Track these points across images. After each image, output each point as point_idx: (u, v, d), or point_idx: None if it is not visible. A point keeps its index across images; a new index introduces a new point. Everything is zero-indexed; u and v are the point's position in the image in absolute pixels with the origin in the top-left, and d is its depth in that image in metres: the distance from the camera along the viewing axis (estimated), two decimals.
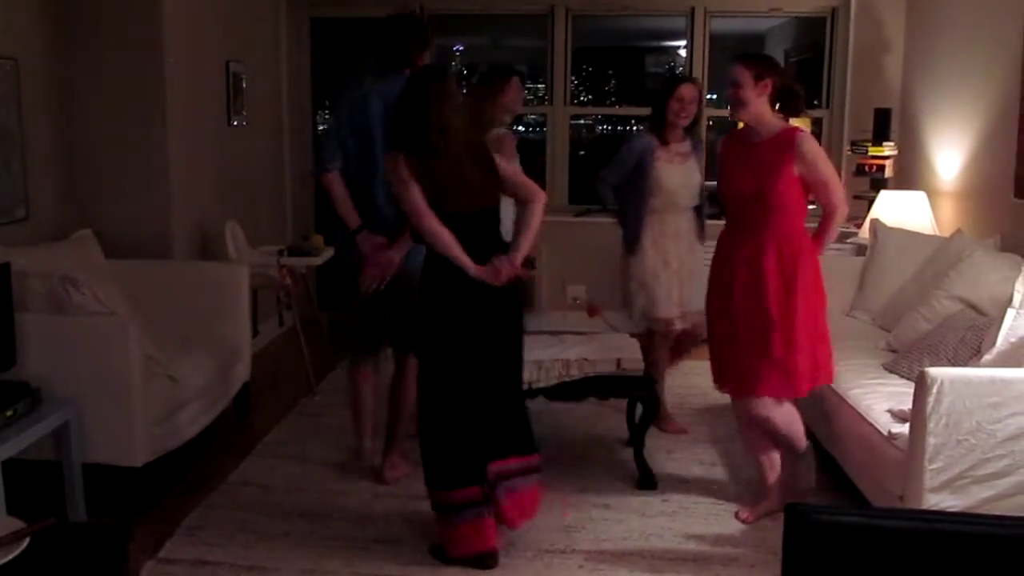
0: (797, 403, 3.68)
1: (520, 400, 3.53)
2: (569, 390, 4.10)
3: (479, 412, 3.36)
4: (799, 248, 3.56)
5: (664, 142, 4.52)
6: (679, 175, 4.53)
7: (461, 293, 3.29)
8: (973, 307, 4.08)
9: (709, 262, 3.83)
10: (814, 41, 7.12)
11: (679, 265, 4.56)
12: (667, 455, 4.42)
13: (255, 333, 5.73)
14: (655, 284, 4.55)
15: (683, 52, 7.26)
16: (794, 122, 3.66)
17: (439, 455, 3.37)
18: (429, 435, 3.40)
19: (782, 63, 8.48)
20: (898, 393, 3.65)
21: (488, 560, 3.38)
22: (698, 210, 4.67)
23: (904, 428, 3.23)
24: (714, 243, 3.82)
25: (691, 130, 4.63)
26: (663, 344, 4.68)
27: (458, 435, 3.35)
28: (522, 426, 3.47)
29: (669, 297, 4.56)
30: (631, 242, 4.57)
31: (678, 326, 4.63)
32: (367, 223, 3.94)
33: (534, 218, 3.37)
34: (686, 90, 4.48)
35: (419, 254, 3.51)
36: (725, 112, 5.79)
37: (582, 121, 8.10)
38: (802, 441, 3.72)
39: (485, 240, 3.33)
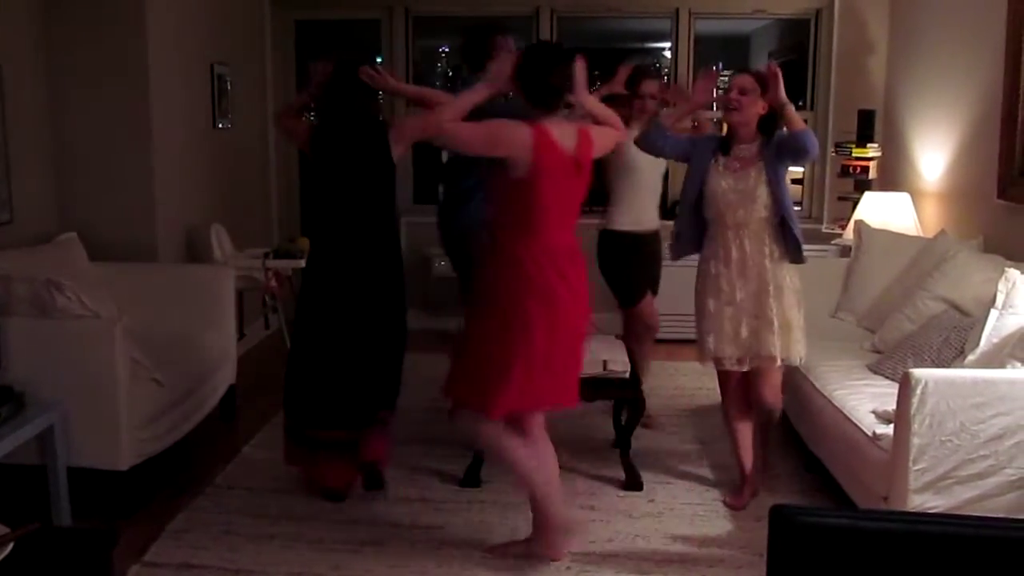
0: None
1: (398, 365, 4.08)
2: None
3: (349, 368, 3.91)
4: (497, 260, 3.30)
5: (725, 148, 3.80)
6: (729, 182, 3.74)
7: (342, 276, 3.89)
8: (957, 308, 4.10)
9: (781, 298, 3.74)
10: (798, 42, 7.16)
11: (745, 298, 3.74)
12: (653, 456, 4.43)
13: (241, 336, 5.72)
14: (707, 317, 3.85)
15: (668, 54, 7.28)
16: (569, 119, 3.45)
17: (311, 397, 3.93)
18: (301, 379, 3.97)
19: (764, 60, 8.51)
20: (882, 394, 3.67)
21: (338, 495, 3.94)
22: (783, 228, 3.74)
23: (888, 429, 3.25)
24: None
25: (766, 129, 3.75)
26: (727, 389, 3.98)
27: (328, 383, 3.91)
28: (394, 386, 4.08)
29: (723, 335, 3.79)
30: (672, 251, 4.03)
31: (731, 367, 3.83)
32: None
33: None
34: (737, 80, 3.77)
35: (466, 217, 4.24)
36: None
37: None
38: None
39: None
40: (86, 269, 4.47)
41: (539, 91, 3.28)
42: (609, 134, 3.51)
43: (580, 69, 3.34)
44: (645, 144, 3.94)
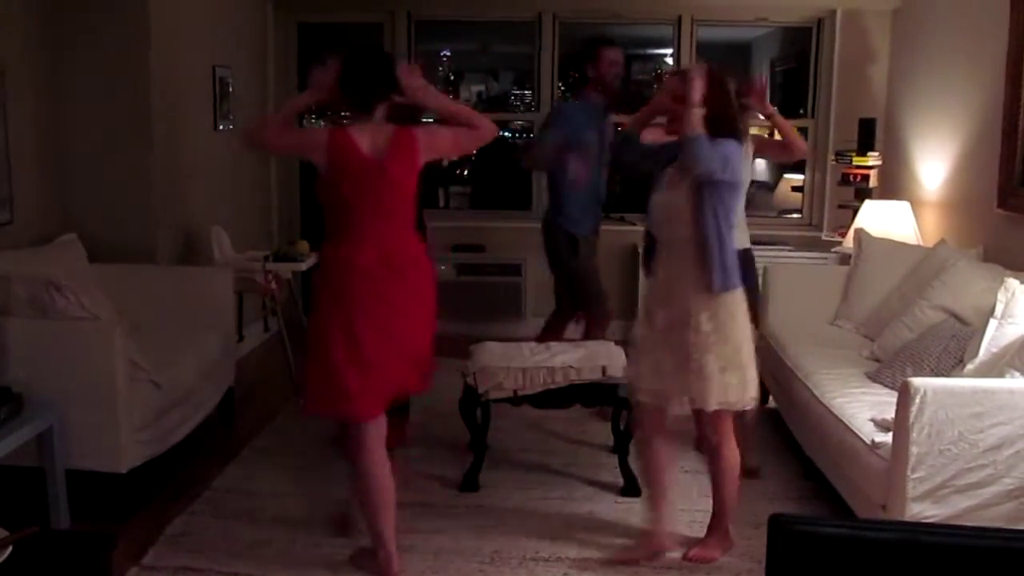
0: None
1: None
2: (555, 397, 4.11)
3: None
4: (319, 264, 3.45)
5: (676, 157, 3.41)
6: (665, 195, 3.40)
7: None
8: (956, 317, 4.10)
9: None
10: (800, 50, 7.17)
11: (668, 328, 3.36)
12: None
13: (240, 338, 5.72)
14: (637, 343, 3.57)
15: (669, 60, 7.29)
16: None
17: None
18: None
19: (767, 72, 8.52)
20: (881, 402, 3.67)
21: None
22: (702, 251, 3.26)
23: (887, 437, 3.25)
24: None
25: (715, 134, 3.24)
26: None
27: None
28: None
29: (643, 363, 3.47)
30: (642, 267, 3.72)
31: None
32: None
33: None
34: (668, 85, 3.44)
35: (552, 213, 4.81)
36: None
37: None
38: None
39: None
40: (86, 270, 4.47)
41: (353, 94, 3.28)
42: (452, 135, 3.42)
43: (414, 72, 3.35)
44: (614, 161, 3.69)
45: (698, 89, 3.20)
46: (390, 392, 3.34)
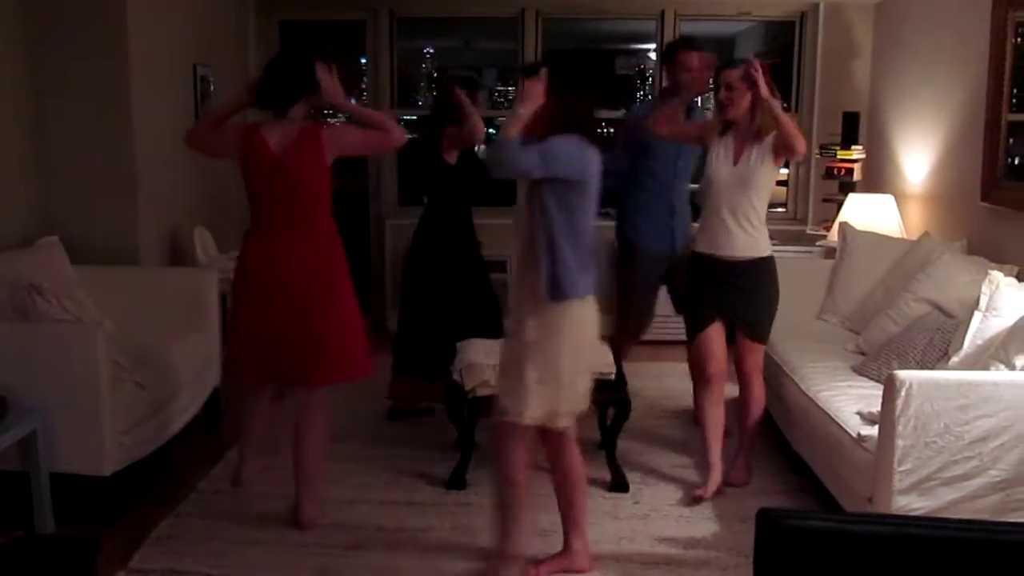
0: None
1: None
2: None
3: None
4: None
5: None
6: (521, 198, 3.38)
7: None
8: (941, 309, 4.12)
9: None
10: (784, 45, 7.18)
11: (512, 335, 3.24)
12: (639, 458, 4.43)
13: (224, 339, 5.69)
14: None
15: (653, 55, 7.30)
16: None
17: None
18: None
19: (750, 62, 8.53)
20: (867, 395, 3.68)
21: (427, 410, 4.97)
22: (534, 255, 3.10)
23: (873, 430, 3.26)
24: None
25: (564, 127, 3.09)
26: None
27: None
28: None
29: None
30: None
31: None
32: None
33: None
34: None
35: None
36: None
37: None
38: None
39: None
40: (68, 273, 4.42)
41: (268, 95, 3.56)
42: (361, 136, 3.73)
43: (329, 76, 3.58)
44: (491, 169, 3.15)
45: (531, 93, 3.04)
46: (289, 370, 3.62)
